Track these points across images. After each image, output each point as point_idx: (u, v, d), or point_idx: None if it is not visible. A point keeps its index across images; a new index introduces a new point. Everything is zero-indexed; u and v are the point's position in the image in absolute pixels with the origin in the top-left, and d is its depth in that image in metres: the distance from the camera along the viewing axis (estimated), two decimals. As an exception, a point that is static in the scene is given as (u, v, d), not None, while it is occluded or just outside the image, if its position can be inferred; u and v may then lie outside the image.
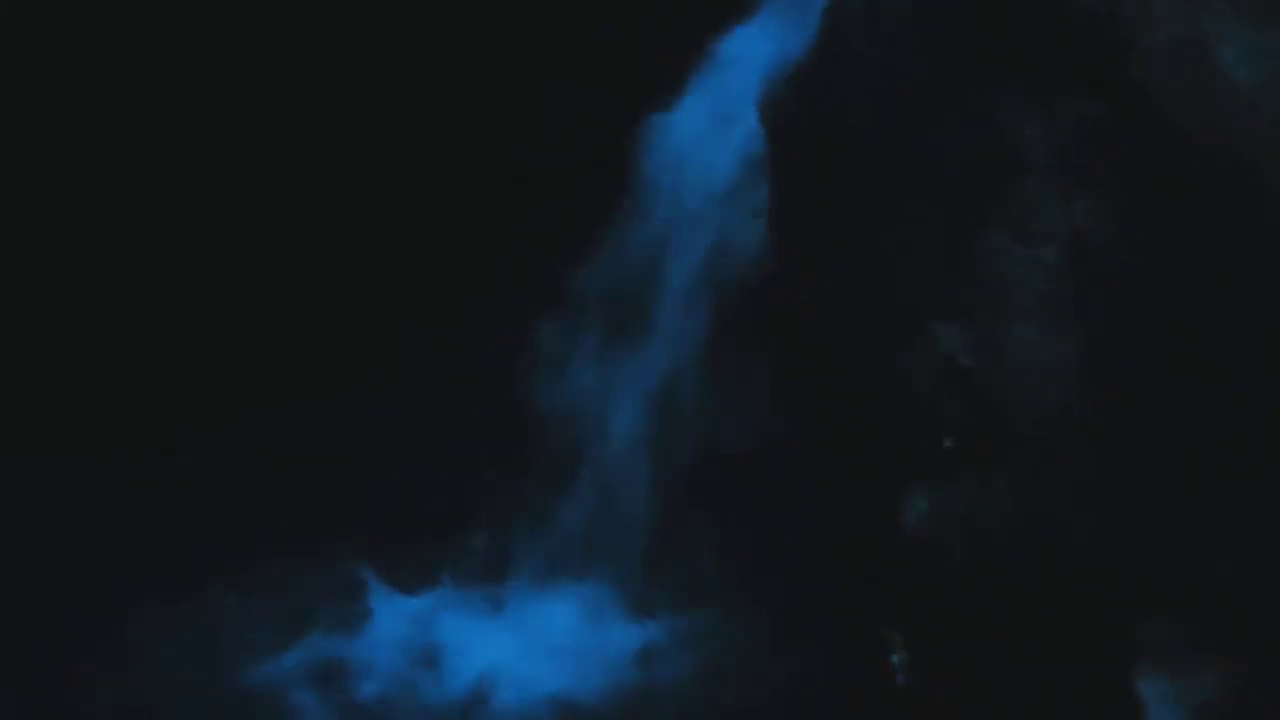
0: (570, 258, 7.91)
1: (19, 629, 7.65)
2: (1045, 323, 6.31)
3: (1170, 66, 6.28)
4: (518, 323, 8.03)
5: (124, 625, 7.77)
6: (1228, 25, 6.23)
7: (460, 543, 8.01)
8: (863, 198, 6.66)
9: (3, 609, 7.71)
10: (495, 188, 8.30)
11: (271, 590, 7.91)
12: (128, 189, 8.10)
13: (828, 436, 6.72)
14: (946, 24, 6.67)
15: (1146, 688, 5.96)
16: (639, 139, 7.63)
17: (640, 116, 7.63)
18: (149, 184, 8.12)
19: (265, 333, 8.31)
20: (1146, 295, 6.21)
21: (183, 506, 8.12)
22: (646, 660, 7.52)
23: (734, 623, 7.47)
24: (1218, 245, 6.15)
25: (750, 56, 7.29)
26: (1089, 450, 6.18)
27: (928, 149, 6.57)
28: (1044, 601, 6.14)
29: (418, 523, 8.06)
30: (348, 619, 7.82)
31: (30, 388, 8.11)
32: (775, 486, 7.33)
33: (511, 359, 8.05)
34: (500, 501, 8.05)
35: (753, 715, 7.24)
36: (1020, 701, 6.14)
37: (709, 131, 7.52)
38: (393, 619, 7.81)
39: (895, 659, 6.28)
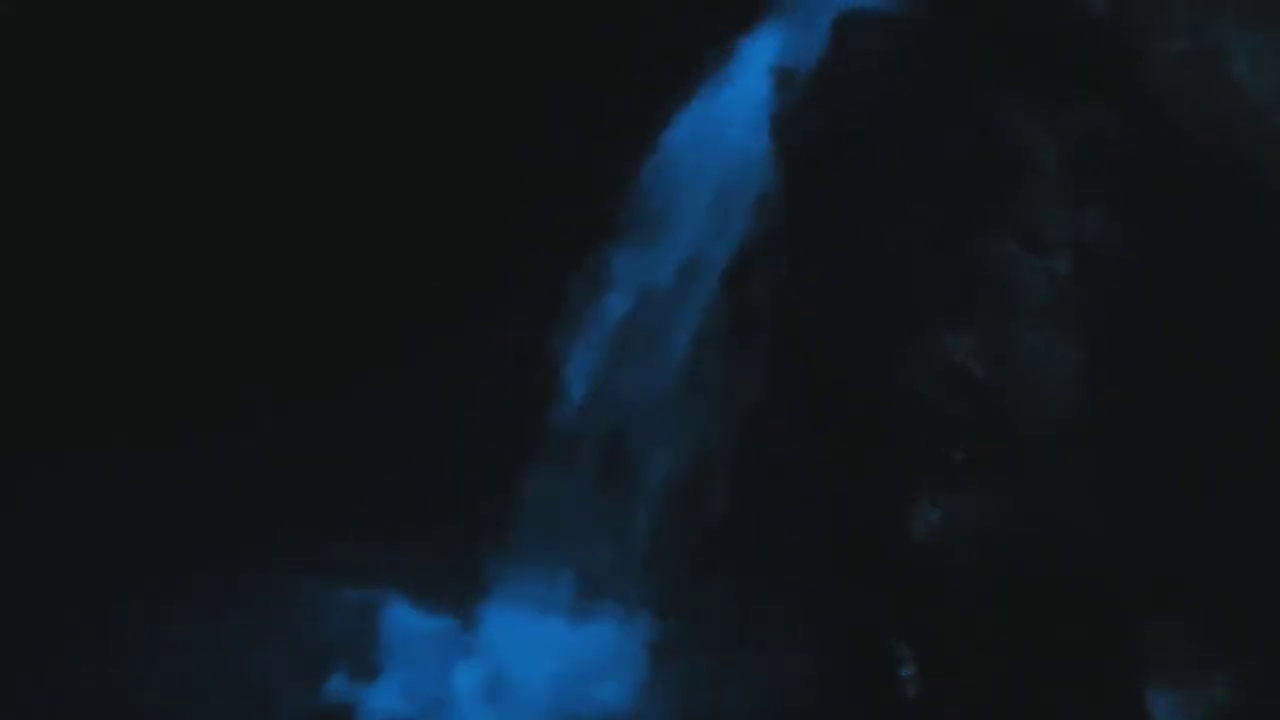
0: (570, 258, 7.89)
1: (18, 630, 7.62)
2: (1054, 331, 6.32)
3: (1181, 75, 6.29)
4: (518, 324, 8.01)
5: (124, 626, 7.75)
6: (1239, 34, 6.23)
7: (461, 543, 8.00)
8: (870, 205, 6.65)
9: (2, 609, 7.69)
10: (495, 188, 8.27)
11: (272, 591, 7.90)
12: (128, 188, 8.06)
13: (833, 444, 6.71)
14: (955, 32, 6.67)
15: (1156, 697, 5.97)
16: (641, 142, 7.60)
17: (642, 120, 7.60)
18: (150, 183, 8.08)
19: (264, 333, 8.28)
20: (1156, 305, 6.22)
21: (181, 506, 8.09)
22: (652, 667, 7.52)
23: (737, 631, 7.47)
24: (1227, 255, 6.17)
25: (757, 62, 7.27)
26: (1098, 459, 6.19)
27: (937, 157, 6.57)
28: (1052, 611, 6.14)
29: (419, 524, 8.05)
30: (354, 631, 7.82)
31: (30, 388, 8.07)
32: (779, 494, 7.31)
33: (511, 359, 8.03)
34: (500, 501, 8.04)
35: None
36: (1029, 712, 6.14)
37: (712, 136, 7.49)
38: (400, 632, 7.82)
39: (903, 671, 6.28)
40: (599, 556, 7.84)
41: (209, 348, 8.28)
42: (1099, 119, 6.42)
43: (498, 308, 8.22)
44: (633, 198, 7.72)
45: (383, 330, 8.30)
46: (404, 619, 7.87)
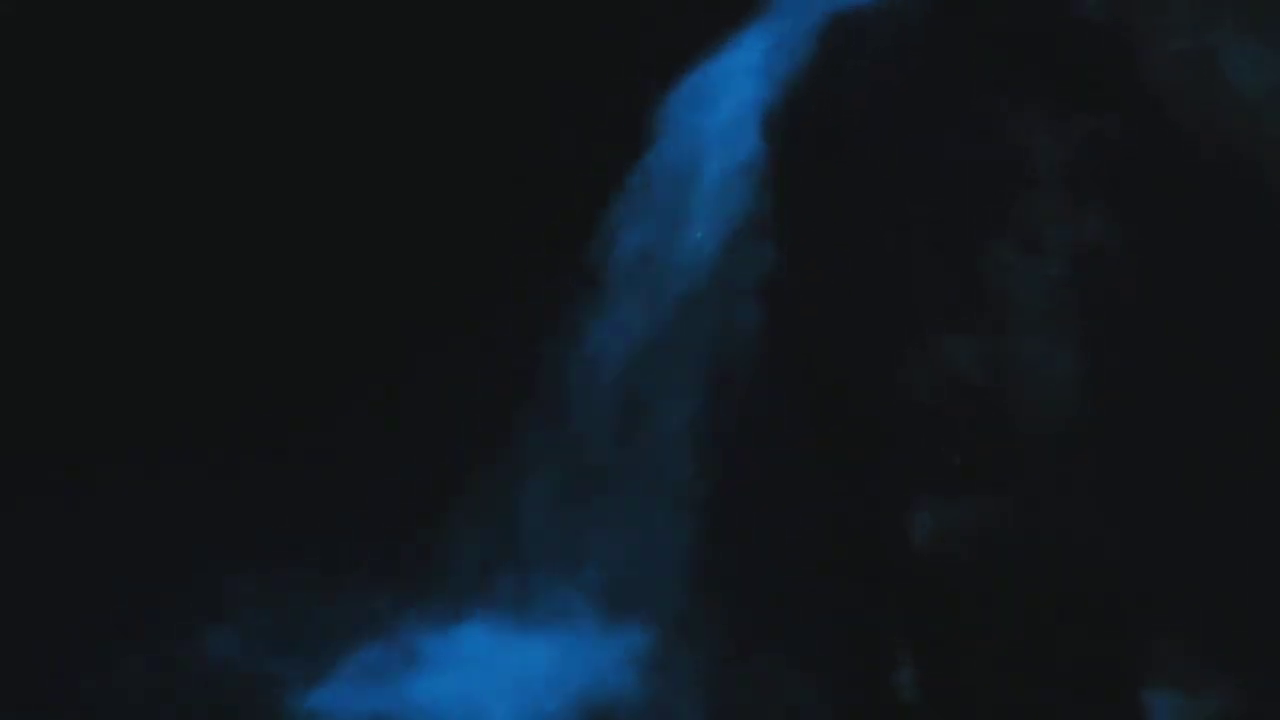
0: (570, 259, 7.89)
1: (19, 631, 7.63)
2: (1054, 334, 6.31)
3: (1181, 76, 6.28)
4: (520, 324, 8.01)
5: (123, 628, 7.76)
6: (1237, 38, 6.23)
7: (462, 545, 8.01)
8: (869, 209, 6.65)
9: (3, 610, 7.70)
10: (495, 189, 8.27)
11: (271, 592, 7.91)
12: (128, 189, 8.07)
13: (833, 447, 6.71)
14: (954, 36, 6.66)
15: (1157, 703, 5.96)
16: (641, 143, 7.60)
17: (639, 120, 7.60)
18: (150, 184, 8.09)
19: (265, 333, 8.29)
20: (1156, 307, 6.21)
21: (183, 506, 8.10)
22: (651, 671, 7.52)
23: (738, 637, 7.47)
24: (1226, 259, 6.16)
25: (754, 62, 7.27)
26: (1097, 462, 6.18)
27: (936, 161, 6.56)
28: (1052, 614, 6.14)
29: (418, 524, 8.05)
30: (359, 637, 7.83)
31: (30, 389, 8.08)
32: (779, 497, 7.31)
33: (510, 361, 8.03)
34: (501, 502, 8.04)
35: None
36: (1029, 714, 6.14)
37: (712, 138, 7.49)
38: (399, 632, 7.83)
39: (903, 675, 6.29)
40: (598, 562, 7.85)
41: (209, 347, 8.28)
42: (1099, 119, 6.41)
43: (496, 308, 8.23)
44: (630, 198, 7.72)
45: (382, 330, 8.31)
46: (400, 620, 7.88)
